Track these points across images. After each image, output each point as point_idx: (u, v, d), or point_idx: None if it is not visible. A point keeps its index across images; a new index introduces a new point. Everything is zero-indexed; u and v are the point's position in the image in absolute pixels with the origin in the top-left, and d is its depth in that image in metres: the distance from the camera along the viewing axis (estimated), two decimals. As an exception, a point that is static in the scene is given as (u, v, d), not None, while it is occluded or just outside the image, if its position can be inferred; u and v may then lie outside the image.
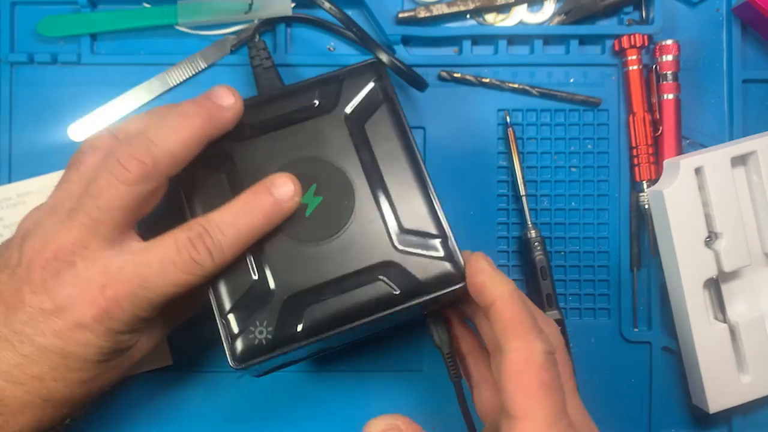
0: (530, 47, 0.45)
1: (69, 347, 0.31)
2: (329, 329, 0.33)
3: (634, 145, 0.44)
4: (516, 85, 0.44)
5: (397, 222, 0.34)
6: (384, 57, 0.37)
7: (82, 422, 0.35)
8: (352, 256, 0.33)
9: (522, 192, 0.43)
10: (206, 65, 0.44)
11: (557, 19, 0.45)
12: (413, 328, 0.44)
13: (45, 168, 0.43)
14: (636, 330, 0.44)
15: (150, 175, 0.31)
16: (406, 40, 0.45)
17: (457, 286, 0.33)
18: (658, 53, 0.44)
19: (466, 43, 0.45)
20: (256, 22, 0.43)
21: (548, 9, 0.45)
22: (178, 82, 0.44)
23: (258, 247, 0.33)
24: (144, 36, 0.44)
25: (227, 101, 0.34)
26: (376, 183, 0.35)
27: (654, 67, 0.44)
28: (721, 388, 0.41)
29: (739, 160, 0.42)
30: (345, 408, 0.43)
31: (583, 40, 0.45)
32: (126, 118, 0.43)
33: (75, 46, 0.44)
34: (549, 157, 0.45)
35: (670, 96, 0.44)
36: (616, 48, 0.44)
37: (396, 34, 0.44)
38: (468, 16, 0.45)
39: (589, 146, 0.45)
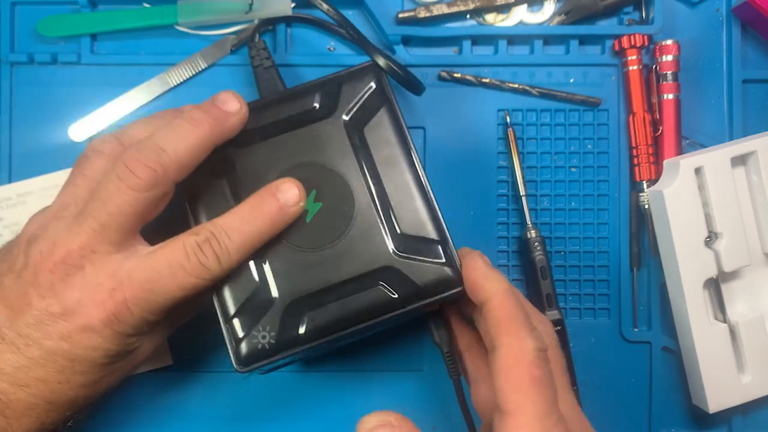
0: (530, 47, 0.45)
1: (76, 350, 0.31)
2: (330, 333, 0.33)
3: (634, 145, 0.44)
4: (516, 85, 0.44)
5: (396, 227, 0.34)
6: (381, 60, 0.37)
7: (83, 424, 0.35)
8: (352, 261, 0.34)
9: (522, 192, 0.43)
10: (206, 65, 0.44)
11: (557, 19, 0.45)
12: (413, 327, 0.44)
13: (45, 168, 0.43)
14: (636, 330, 0.44)
15: (159, 181, 0.31)
16: (406, 41, 0.45)
17: (455, 290, 0.34)
18: (658, 53, 0.44)
19: (466, 43, 0.45)
20: (256, 22, 0.43)
21: (548, 9, 0.45)
22: (179, 82, 0.44)
23: (260, 253, 0.34)
24: (144, 36, 0.44)
25: (233, 107, 0.34)
26: (376, 188, 0.35)
27: (654, 67, 0.44)
28: (721, 388, 0.41)
29: (739, 160, 0.42)
30: (345, 408, 0.43)
31: (583, 40, 0.45)
32: (126, 118, 0.44)
33: (75, 46, 0.44)
34: (549, 157, 0.45)
35: (670, 96, 0.44)
36: (616, 48, 0.44)
37: (396, 34, 0.44)
38: (468, 16, 0.45)
39: (589, 146, 0.45)
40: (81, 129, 0.43)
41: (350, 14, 0.45)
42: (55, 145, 0.43)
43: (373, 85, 0.36)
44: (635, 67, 0.44)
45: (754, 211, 0.43)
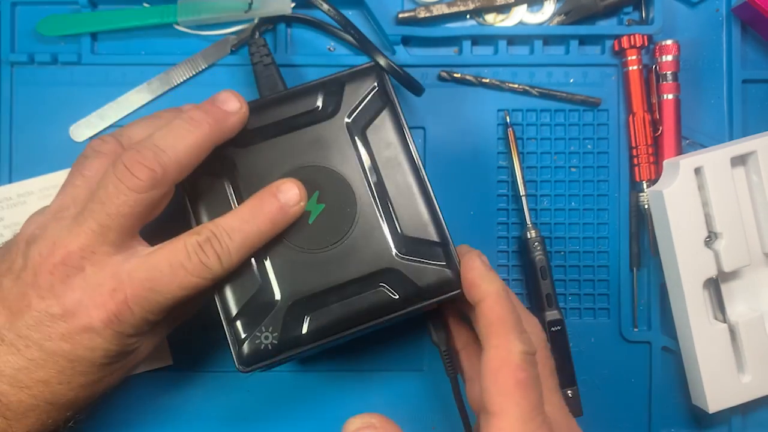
0: (530, 47, 0.45)
1: (77, 351, 0.31)
2: (332, 334, 0.34)
3: (633, 145, 0.44)
4: (516, 86, 0.44)
5: (398, 229, 0.35)
6: (381, 61, 0.37)
7: (84, 424, 0.35)
8: (353, 263, 0.34)
9: (522, 192, 0.43)
10: (206, 65, 0.44)
11: (557, 19, 0.45)
12: (413, 327, 0.44)
13: (45, 168, 0.43)
14: (636, 330, 0.44)
15: (159, 182, 0.31)
16: (406, 41, 0.45)
17: (456, 292, 0.34)
18: (657, 53, 0.44)
19: (466, 44, 0.45)
20: (255, 20, 0.43)
21: (548, 9, 0.45)
22: (179, 82, 0.44)
23: (262, 254, 0.34)
24: (144, 36, 0.44)
25: (233, 106, 0.34)
26: (378, 190, 0.35)
27: (654, 67, 0.44)
28: (721, 387, 0.41)
29: (739, 160, 0.42)
30: (345, 408, 0.43)
31: (583, 40, 0.45)
32: (126, 118, 0.44)
33: (75, 46, 0.44)
34: (549, 157, 0.45)
35: (670, 96, 0.44)
36: (616, 48, 0.44)
37: (396, 34, 0.44)
38: (468, 16, 0.45)
39: (589, 146, 0.45)
40: (81, 129, 0.43)
41: (350, 14, 0.45)
42: (55, 145, 0.43)
43: (375, 85, 0.36)
44: (635, 67, 0.44)
45: (753, 211, 0.43)
